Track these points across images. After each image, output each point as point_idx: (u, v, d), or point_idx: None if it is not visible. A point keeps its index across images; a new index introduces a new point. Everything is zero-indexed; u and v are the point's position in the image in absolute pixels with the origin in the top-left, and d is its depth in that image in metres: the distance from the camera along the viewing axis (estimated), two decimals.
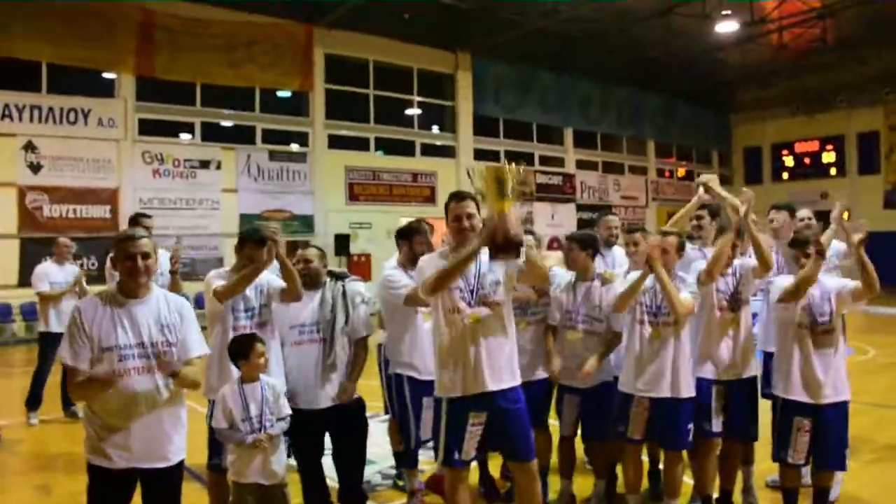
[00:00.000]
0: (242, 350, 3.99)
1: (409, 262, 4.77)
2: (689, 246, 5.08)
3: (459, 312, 3.77)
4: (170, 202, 16.94)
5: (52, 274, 7.79)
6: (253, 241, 4.27)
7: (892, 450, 6.30)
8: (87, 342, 3.14)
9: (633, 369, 4.49)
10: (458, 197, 4.03)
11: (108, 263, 5.98)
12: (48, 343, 7.68)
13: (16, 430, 7.50)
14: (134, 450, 3.18)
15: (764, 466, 5.02)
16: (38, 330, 7.97)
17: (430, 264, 3.90)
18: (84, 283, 7.75)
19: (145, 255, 3.25)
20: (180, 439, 3.35)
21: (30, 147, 15.53)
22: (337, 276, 4.71)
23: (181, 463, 3.37)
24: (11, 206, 15.21)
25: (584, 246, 4.80)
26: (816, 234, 4.29)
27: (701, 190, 5.27)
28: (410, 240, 4.89)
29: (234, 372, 4.07)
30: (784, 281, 4.43)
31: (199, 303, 18.83)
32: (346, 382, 4.49)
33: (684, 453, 4.63)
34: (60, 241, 8.12)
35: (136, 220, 6.41)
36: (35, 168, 15.59)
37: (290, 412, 4.07)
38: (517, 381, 3.87)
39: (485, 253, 3.80)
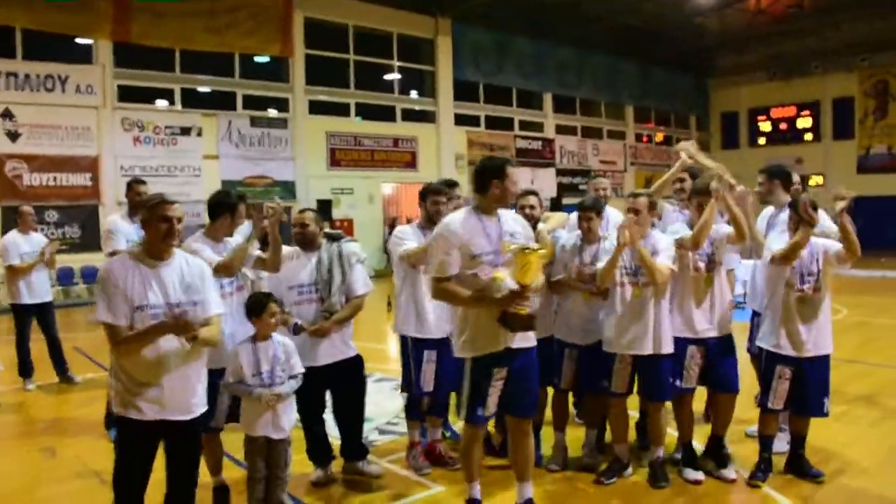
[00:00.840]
0: (256, 308, 4.16)
1: (426, 223, 4.95)
2: (668, 206, 5.31)
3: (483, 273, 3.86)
4: (151, 169, 16.84)
5: (21, 245, 7.72)
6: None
7: (860, 399, 6.69)
8: (124, 300, 3.28)
9: (616, 329, 4.70)
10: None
11: (109, 228, 6.01)
12: (21, 314, 7.78)
13: (13, 395, 7.61)
14: (164, 403, 3.34)
15: (747, 417, 5.31)
16: (9, 303, 7.92)
17: (408, 235, 4.44)
18: (51, 253, 7.74)
19: (179, 219, 3.41)
20: (203, 393, 3.53)
21: (7, 115, 15.36)
22: (332, 238, 4.87)
23: (202, 414, 3.55)
24: None
25: (599, 213, 5.00)
26: (810, 201, 4.46)
27: (683, 155, 5.42)
28: (424, 201, 5.04)
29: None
30: (776, 244, 4.64)
31: None
32: (322, 321, 4.61)
33: (669, 405, 4.87)
34: (24, 210, 8.05)
35: (133, 186, 6.39)
36: (13, 136, 15.44)
37: (302, 370, 4.24)
38: (534, 343, 4.06)
39: (506, 214, 4.06)
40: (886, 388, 7.14)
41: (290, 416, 4.23)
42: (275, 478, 4.23)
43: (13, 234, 7.87)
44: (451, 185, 5.29)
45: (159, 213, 3.38)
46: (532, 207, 4.94)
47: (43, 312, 7.92)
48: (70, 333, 8.14)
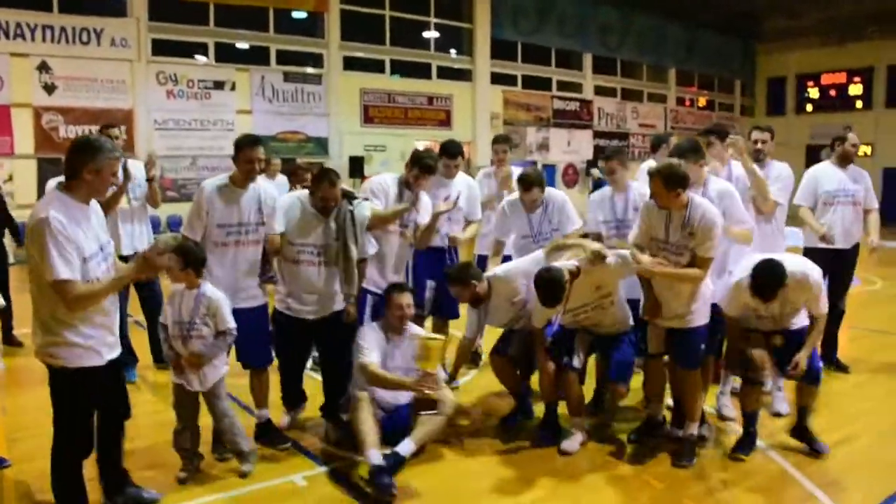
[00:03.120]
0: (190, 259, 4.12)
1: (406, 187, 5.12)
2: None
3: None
4: (184, 123, 16.94)
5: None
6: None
7: (885, 369, 6.54)
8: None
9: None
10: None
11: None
12: None
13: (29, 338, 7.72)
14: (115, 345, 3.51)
15: None
16: None
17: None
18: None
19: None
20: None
21: (44, 67, 15.50)
22: (346, 196, 4.72)
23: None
24: (28, 126, 15.30)
25: (623, 163, 5.26)
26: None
27: (731, 150, 5.34)
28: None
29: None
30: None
31: None
32: (349, 306, 4.66)
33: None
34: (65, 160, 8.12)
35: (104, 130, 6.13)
36: (49, 89, 15.60)
37: (230, 326, 4.15)
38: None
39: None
40: None
41: (215, 372, 4.18)
42: (217, 429, 4.32)
43: (57, 180, 7.94)
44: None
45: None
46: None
47: None
48: None
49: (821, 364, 4.58)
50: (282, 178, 9.16)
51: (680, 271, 4.29)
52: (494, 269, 5.23)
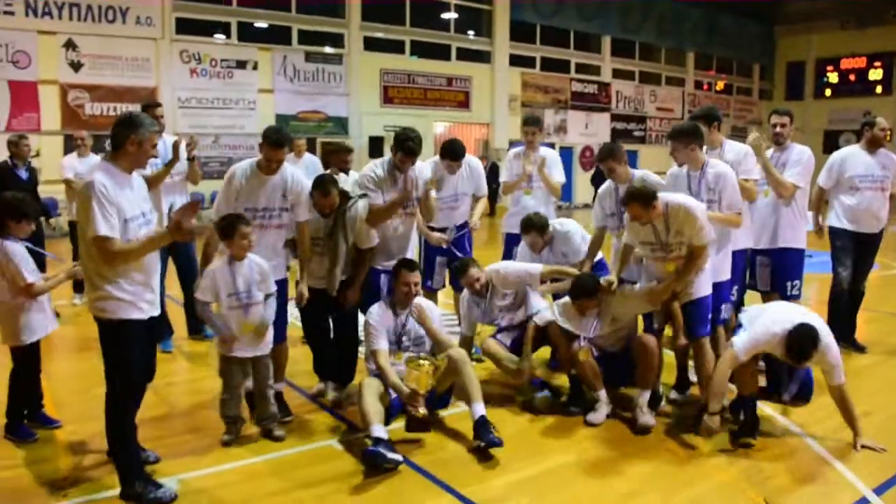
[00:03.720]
0: (228, 231, 4.29)
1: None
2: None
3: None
4: (207, 101, 17.14)
5: (76, 166, 8.02)
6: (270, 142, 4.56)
7: None
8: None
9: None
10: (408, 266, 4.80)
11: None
12: (76, 231, 8.03)
13: (65, 308, 7.95)
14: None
15: None
16: (68, 220, 8.25)
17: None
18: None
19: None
20: None
21: (70, 45, 15.71)
22: (343, 195, 4.95)
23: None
24: (55, 103, 15.53)
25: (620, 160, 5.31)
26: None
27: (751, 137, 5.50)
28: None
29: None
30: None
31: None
32: (347, 291, 4.95)
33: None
34: (75, 134, 8.38)
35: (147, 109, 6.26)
36: (76, 66, 15.81)
37: (274, 290, 4.47)
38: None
39: None
40: None
41: (267, 340, 4.46)
42: (260, 394, 4.50)
43: (71, 156, 8.25)
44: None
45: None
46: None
47: None
48: None
49: (813, 383, 4.65)
50: (309, 158, 9.29)
51: (686, 272, 4.62)
52: (493, 265, 5.53)
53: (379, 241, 5.09)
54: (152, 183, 6.01)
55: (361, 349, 5.12)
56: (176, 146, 6.00)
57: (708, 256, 4.67)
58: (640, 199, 4.47)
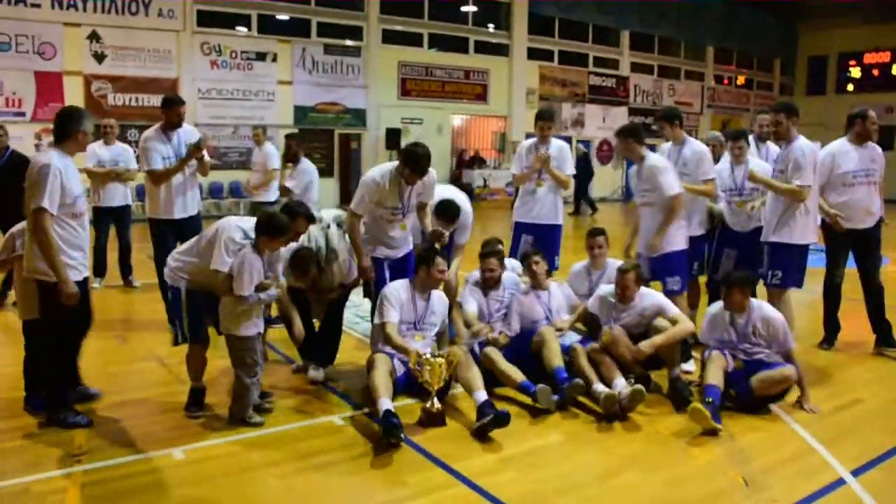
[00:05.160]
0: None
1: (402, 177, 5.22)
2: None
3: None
4: (227, 93, 17.44)
5: (100, 153, 8.22)
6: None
7: None
8: None
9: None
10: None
11: (145, 146, 6.31)
12: (98, 217, 8.26)
13: None
14: None
15: None
16: (92, 206, 8.45)
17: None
18: (125, 171, 8.22)
19: None
20: None
21: (94, 37, 16.06)
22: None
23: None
24: (79, 93, 15.90)
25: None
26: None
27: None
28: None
29: None
30: None
31: (235, 191, 19.09)
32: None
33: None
34: (103, 122, 8.52)
35: (175, 105, 6.44)
36: (99, 58, 16.17)
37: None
38: None
39: None
40: None
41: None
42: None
43: (96, 143, 8.32)
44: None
45: None
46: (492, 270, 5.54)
47: (120, 217, 8.49)
48: (140, 244, 8.73)
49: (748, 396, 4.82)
50: (268, 147, 9.39)
51: (661, 231, 5.61)
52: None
53: (379, 237, 5.34)
54: (164, 176, 6.24)
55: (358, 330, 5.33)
56: (199, 148, 6.20)
57: (676, 214, 5.57)
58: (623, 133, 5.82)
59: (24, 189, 4.15)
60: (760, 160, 6.36)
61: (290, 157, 7.61)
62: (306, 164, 7.57)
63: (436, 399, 4.46)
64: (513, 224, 6.93)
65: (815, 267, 6.21)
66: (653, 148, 5.99)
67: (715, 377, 4.69)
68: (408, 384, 4.83)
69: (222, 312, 4.45)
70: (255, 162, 9.44)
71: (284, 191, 7.49)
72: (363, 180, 5.20)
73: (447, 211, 5.50)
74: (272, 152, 9.25)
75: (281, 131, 17.27)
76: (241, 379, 4.44)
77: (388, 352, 4.83)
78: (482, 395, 4.55)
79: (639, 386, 4.68)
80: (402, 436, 4.14)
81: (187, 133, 6.39)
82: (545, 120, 6.67)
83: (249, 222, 4.47)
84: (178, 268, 4.56)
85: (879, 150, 6.25)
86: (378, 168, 5.27)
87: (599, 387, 4.81)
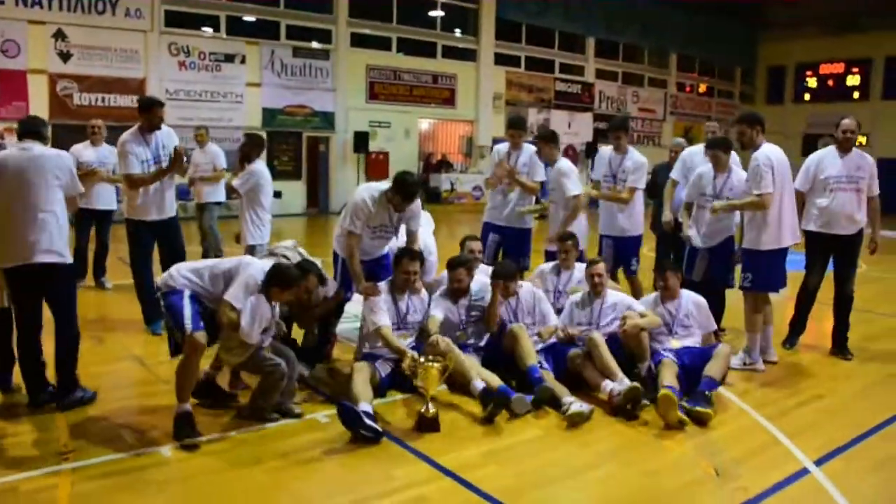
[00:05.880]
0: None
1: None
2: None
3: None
4: (195, 94, 17.34)
5: (84, 154, 8.14)
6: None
7: (859, 341, 6.84)
8: None
9: None
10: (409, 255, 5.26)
11: (124, 150, 6.27)
12: (81, 219, 8.12)
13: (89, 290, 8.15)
14: None
15: None
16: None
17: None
18: (106, 175, 8.18)
19: None
20: None
21: (59, 35, 15.85)
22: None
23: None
24: (43, 92, 15.69)
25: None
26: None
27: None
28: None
29: None
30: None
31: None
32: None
33: None
34: (90, 123, 8.51)
35: (155, 108, 6.36)
36: (65, 56, 15.96)
37: None
38: None
39: None
40: (885, 334, 7.51)
41: None
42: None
43: (80, 145, 8.25)
44: None
45: None
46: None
47: (101, 220, 8.45)
48: (113, 244, 8.67)
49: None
50: (211, 147, 9.31)
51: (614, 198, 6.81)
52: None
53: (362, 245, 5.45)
54: (140, 183, 6.21)
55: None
56: (179, 157, 6.20)
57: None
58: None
59: None
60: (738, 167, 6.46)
61: (241, 158, 7.38)
62: (257, 166, 7.02)
63: (430, 404, 4.53)
64: (483, 224, 7.12)
65: (796, 270, 6.45)
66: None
67: (669, 379, 4.89)
68: (392, 382, 4.99)
69: (221, 341, 4.56)
70: (199, 163, 9.17)
71: (231, 189, 7.32)
72: (354, 201, 5.29)
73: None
74: (218, 152, 9.25)
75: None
76: (272, 375, 4.51)
77: (377, 353, 4.98)
78: (480, 384, 4.76)
79: (635, 383, 4.84)
80: (365, 429, 4.22)
81: (165, 135, 6.36)
82: (516, 128, 7.01)
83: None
84: (184, 283, 4.50)
85: (869, 158, 6.32)
86: (366, 189, 5.38)
87: (608, 384, 4.99)
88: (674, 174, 7.24)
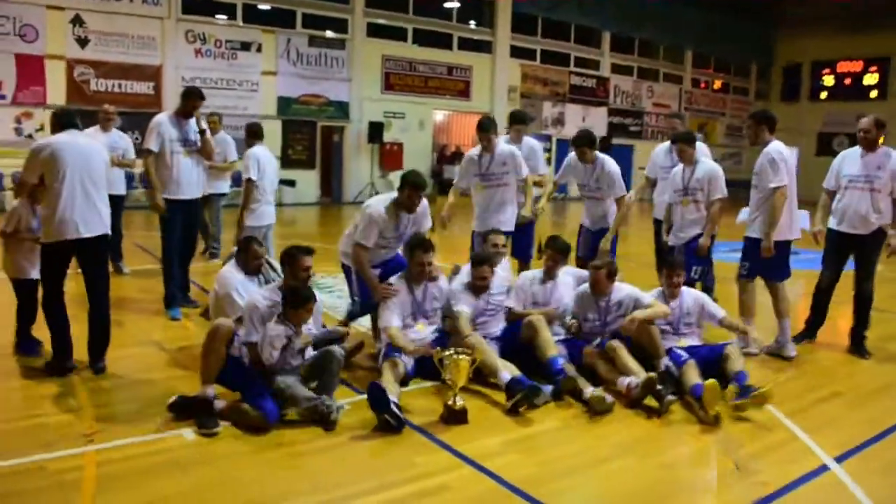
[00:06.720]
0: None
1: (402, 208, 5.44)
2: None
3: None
4: (210, 82, 17.35)
5: (97, 138, 8.14)
6: None
7: (875, 341, 6.75)
8: None
9: None
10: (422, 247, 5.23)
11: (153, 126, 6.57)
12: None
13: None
14: None
15: None
16: None
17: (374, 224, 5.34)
18: (123, 159, 8.35)
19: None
20: None
21: (77, 21, 15.89)
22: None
23: None
24: (60, 78, 15.72)
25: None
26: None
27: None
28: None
29: None
30: None
31: (237, 180, 18.88)
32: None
33: None
34: (103, 108, 8.57)
35: (194, 98, 6.72)
36: (83, 42, 16.00)
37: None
38: None
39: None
40: None
41: None
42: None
43: (92, 129, 8.23)
44: None
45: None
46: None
47: (114, 206, 8.47)
48: (126, 231, 8.75)
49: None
50: (222, 136, 9.32)
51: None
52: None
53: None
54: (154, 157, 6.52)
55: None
56: (206, 141, 6.73)
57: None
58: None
59: None
60: (707, 159, 6.79)
61: (246, 143, 7.61)
62: (254, 150, 7.37)
63: (458, 397, 4.54)
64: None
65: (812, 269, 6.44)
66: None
67: (696, 379, 4.91)
68: (417, 372, 5.08)
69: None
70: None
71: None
72: (368, 214, 5.38)
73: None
74: (230, 142, 9.27)
75: (262, 121, 17.34)
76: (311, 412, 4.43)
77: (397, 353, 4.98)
78: (507, 375, 4.79)
79: (651, 374, 4.85)
80: (390, 413, 4.25)
81: (192, 126, 6.71)
82: (515, 123, 7.27)
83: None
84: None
85: (894, 155, 6.18)
86: (377, 201, 5.50)
87: (624, 379, 4.98)
88: (647, 172, 7.84)
